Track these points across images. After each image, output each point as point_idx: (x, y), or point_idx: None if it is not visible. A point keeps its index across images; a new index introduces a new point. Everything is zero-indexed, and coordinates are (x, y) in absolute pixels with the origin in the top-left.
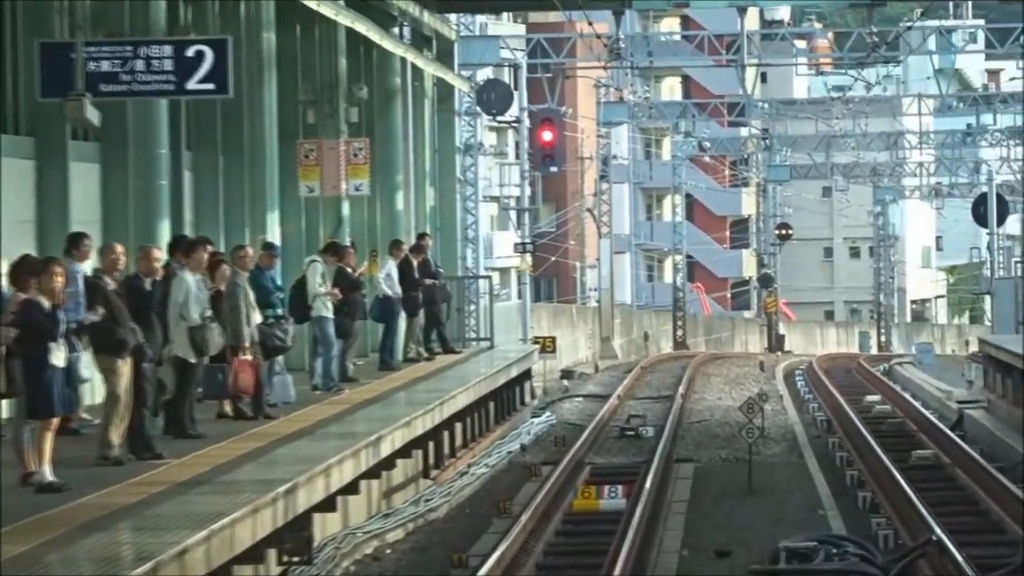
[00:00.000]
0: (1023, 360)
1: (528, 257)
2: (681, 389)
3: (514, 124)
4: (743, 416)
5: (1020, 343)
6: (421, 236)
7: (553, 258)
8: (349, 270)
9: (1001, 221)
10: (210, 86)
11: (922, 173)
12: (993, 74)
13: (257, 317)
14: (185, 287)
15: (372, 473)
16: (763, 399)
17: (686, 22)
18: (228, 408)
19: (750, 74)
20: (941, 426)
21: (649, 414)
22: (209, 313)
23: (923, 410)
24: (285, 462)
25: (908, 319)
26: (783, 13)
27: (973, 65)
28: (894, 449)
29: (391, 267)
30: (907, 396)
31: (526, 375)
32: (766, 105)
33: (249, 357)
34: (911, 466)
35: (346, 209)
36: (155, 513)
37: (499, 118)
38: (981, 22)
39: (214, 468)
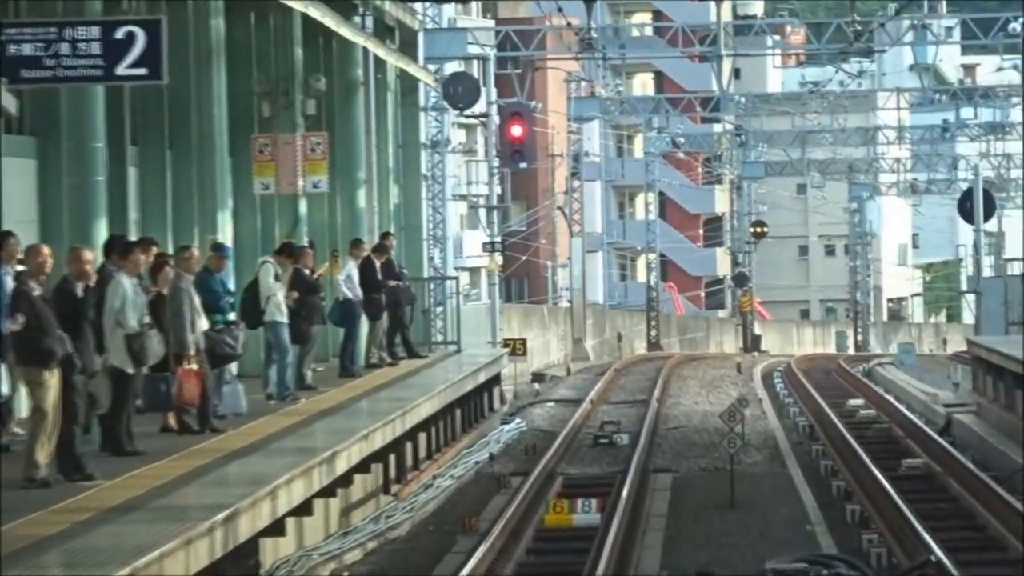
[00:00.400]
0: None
1: (497, 257)
2: (656, 393)
3: (482, 119)
4: (723, 423)
5: (1012, 345)
6: (384, 236)
7: (524, 257)
8: (307, 272)
9: (988, 217)
10: (142, 71)
11: (900, 169)
12: (969, 69)
13: (203, 323)
14: (121, 291)
15: (327, 491)
16: (743, 405)
17: (658, 17)
18: (172, 421)
19: (725, 66)
20: (930, 432)
21: (623, 420)
22: (147, 320)
23: (909, 414)
24: (229, 483)
25: (884, 318)
26: (756, 8)
27: (948, 60)
28: (882, 457)
29: (351, 268)
30: (891, 399)
31: (495, 380)
32: (743, 99)
33: (194, 366)
34: (901, 476)
35: (303, 207)
36: (75, 547)
37: (466, 113)
38: (955, 20)
39: (149, 491)
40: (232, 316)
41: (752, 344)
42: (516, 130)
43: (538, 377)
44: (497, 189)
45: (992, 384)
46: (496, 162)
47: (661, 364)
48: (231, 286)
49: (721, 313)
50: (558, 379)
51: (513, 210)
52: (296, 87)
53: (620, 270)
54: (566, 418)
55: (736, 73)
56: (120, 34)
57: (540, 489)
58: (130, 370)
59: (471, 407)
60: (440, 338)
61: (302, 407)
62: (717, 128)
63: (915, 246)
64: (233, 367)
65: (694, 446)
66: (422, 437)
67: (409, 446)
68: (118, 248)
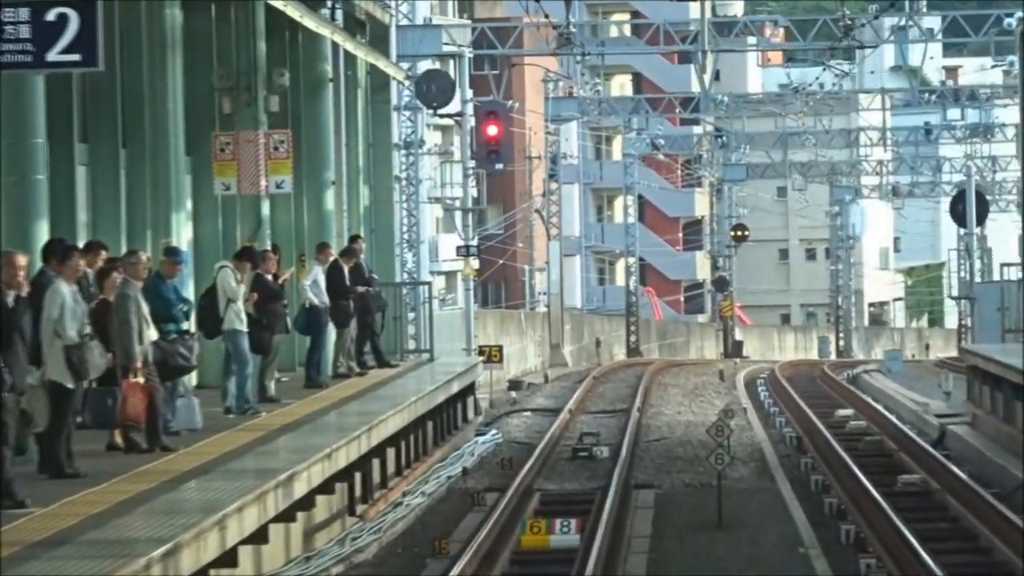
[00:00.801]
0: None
1: (472, 261)
2: (637, 402)
3: (456, 119)
4: (710, 438)
5: (1010, 353)
6: (353, 239)
7: (501, 261)
8: (269, 278)
9: (981, 220)
10: (75, 57)
11: (883, 171)
12: (951, 71)
13: (152, 333)
14: (60, 299)
15: (286, 515)
16: (729, 416)
17: (637, 18)
18: (119, 439)
19: (707, 63)
20: (924, 445)
21: (603, 431)
22: (88, 330)
23: (901, 425)
24: (174, 511)
25: (866, 323)
26: (736, 9)
27: (929, 62)
28: (875, 471)
29: (318, 273)
30: (880, 408)
31: (469, 389)
32: (725, 98)
33: (141, 379)
34: (897, 492)
35: (266, 209)
36: None
37: (440, 112)
38: (938, 20)
39: (84, 520)
40: (186, 325)
41: (734, 350)
42: (492, 130)
43: (515, 385)
44: (473, 191)
45: (989, 395)
46: (471, 163)
47: (641, 371)
48: (187, 293)
49: (701, 318)
50: (535, 387)
51: (490, 213)
52: (259, 82)
53: (598, 274)
54: (543, 429)
55: (716, 75)
56: (51, 16)
57: (516, 507)
58: (70, 384)
59: (444, 419)
60: (413, 346)
61: (262, 421)
62: (697, 130)
63: (896, 250)
64: (191, 379)
65: (678, 460)
66: (391, 452)
67: (376, 463)
68: (57, 252)
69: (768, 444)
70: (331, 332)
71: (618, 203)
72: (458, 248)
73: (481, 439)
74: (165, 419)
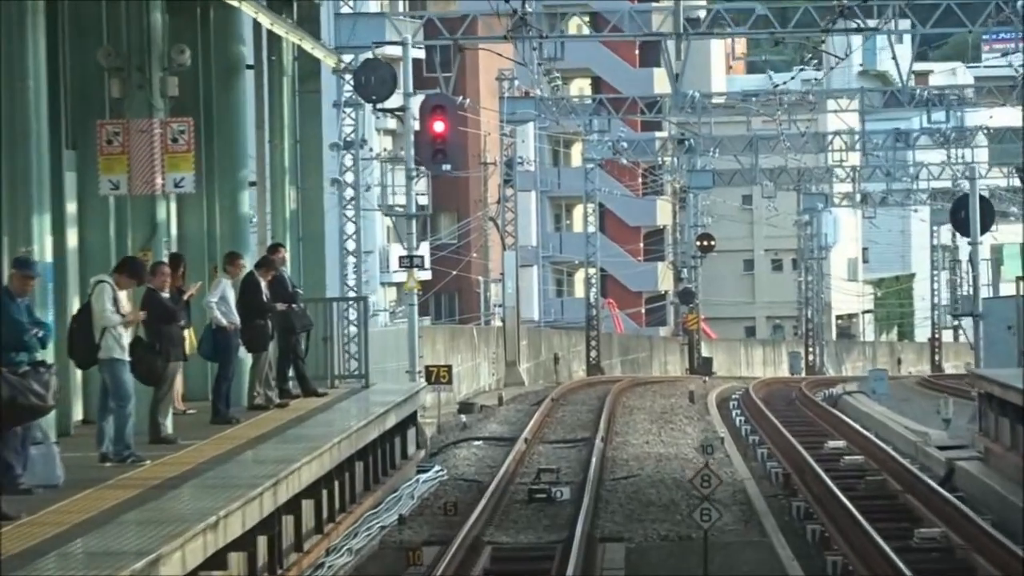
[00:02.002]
0: None
1: (417, 273)
2: (600, 430)
3: (398, 113)
4: (694, 489)
5: None
6: (273, 248)
7: (454, 272)
8: (165, 294)
9: (985, 228)
10: None
11: (857, 178)
12: (921, 76)
13: None
14: None
15: None
16: (709, 452)
17: (596, 20)
18: None
19: (681, 49)
20: (934, 486)
21: (563, 465)
22: None
23: (901, 459)
24: None
25: (833, 336)
26: (701, 13)
27: (893, 63)
28: (880, 518)
29: (226, 288)
30: (872, 437)
31: (410, 420)
32: (697, 94)
33: None
34: (914, 549)
35: (163, 212)
36: None
37: (380, 106)
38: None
39: None
40: (42, 355)
41: (703, 367)
42: (438, 126)
43: (466, 408)
44: (423, 198)
45: (1008, 428)
46: (414, 163)
47: (603, 391)
48: (46, 315)
49: (663, 331)
50: (489, 410)
51: (443, 221)
52: (153, 61)
53: (556, 286)
54: (496, 463)
55: (677, 79)
56: None
57: (461, 566)
58: None
59: (378, 457)
60: (353, 367)
61: (144, 473)
62: (660, 135)
63: (865, 260)
64: (46, 422)
65: (650, 505)
66: (308, 506)
67: (289, 521)
68: None
69: (752, 482)
70: (246, 357)
71: (577, 211)
72: (401, 259)
73: (423, 477)
74: (14, 474)
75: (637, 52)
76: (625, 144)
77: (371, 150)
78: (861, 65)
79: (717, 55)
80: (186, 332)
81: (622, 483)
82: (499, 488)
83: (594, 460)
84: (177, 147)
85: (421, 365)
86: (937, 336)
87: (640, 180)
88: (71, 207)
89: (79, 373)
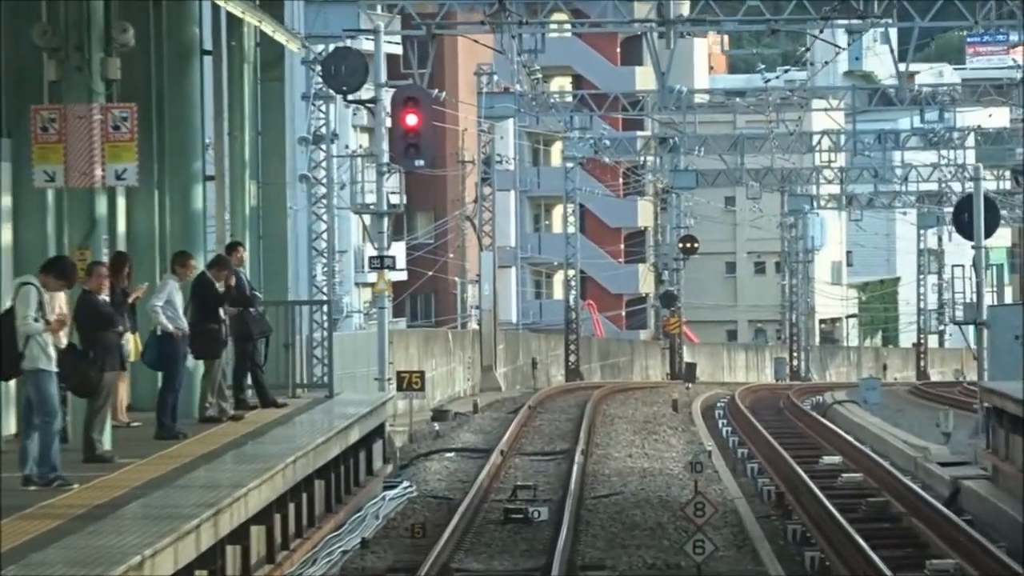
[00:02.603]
0: None
1: (387, 274)
2: (580, 441)
3: (369, 105)
4: (688, 518)
5: None
6: (231, 247)
7: (430, 273)
8: (103, 297)
9: (990, 231)
10: None
11: (844, 179)
12: (908, 77)
13: None
14: None
15: None
16: (698, 470)
17: (578, 16)
18: None
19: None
20: (942, 509)
21: (541, 480)
22: None
23: (902, 477)
24: None
25: (816, 340)
26: (684, 8)
27: (883, 67)
28: (886, 545)
29: (172, 291)
30: (867, 451)
31: (377, 432)
32: (684, 88)
33: None
34: None
35: (102, 207)
36: None
37: (351, 98)
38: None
39: None
40: None
41: (686, 374)
42: (411, 119)
43: (439, 415)
44: (395, 197)
45: (1021, 446)
46: (386, 158)
47: (583, 398)
48: None
49: (643, 334)
50: (463, 417)
51: (420, 221)
52: (93, 40)
53: (535, 288)
54: (469, 477)
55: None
56: None
57: None
58: None
59: (340, 474)
60: (319, 374)
61: (70, 499)
62: (643, 134)
63: (849, 264)
64: None
65: (635, 528)
66: (257, 533)
67: (235, 552)
68: None
69: (743, 501)
70: (197, 365)
71: (556, 212)
72: (371, 259)
73: (390, 494)
74: None
75: (619, 50)
76: (607, 142)
77: (347, 147)
78: (861, 63)
79: (700, 54)
80: (131, 337)
81: (604, 502)
82: (471, 507)
83: (574, 475)
84: (119, 135)
85: (392, 371)
86: (923, 342)
87: (621, 180)
88: (6, 200)
89: (13, 382)
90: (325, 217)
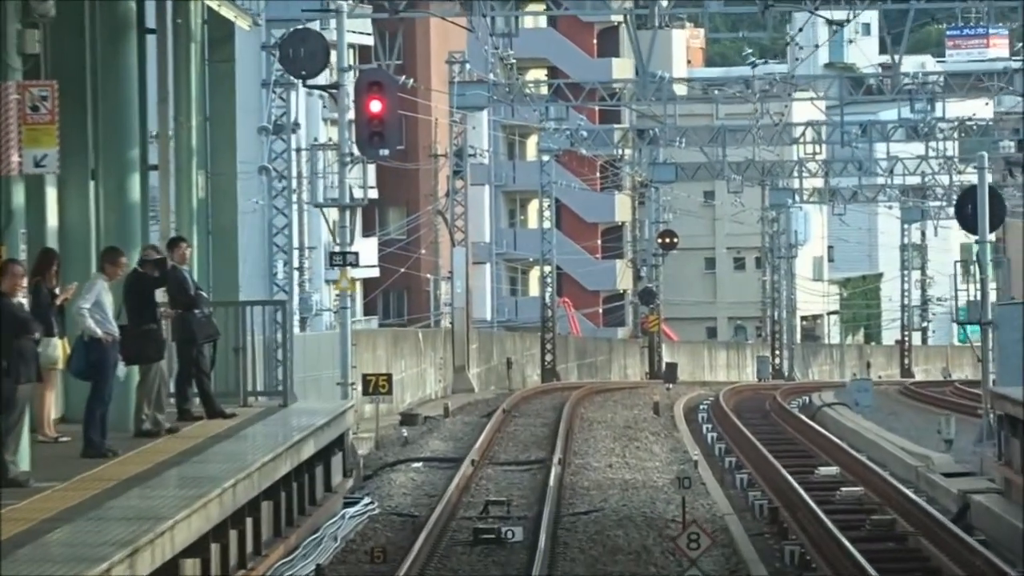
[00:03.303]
0: None
1: (349, 272)
2: (557, 449)
3: (331, 90)
4: (682, 551)
5: None
6: (173, 242)
7: (403, 269)
8: (17, 300)
9: (996, 224)
10: None
11: (828, 173)
12: (887, 68)
13: None
14: None
15: None
16: (686, 486)
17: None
18: None
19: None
20: (959, 532)
21: (515, 494)
22: None
23: (904, 490)
24: None
25: (798, 338)
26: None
27: (864, 59)
28: (895, 570)
29: (101, 292)
30: (863, 459)
31: (338, 444)
32: (666, 75)
33: None
34: None
35: (20, 196)
36: None
37: (311, 83)
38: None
39: None
40: None
41: (667, 374)
42: (375, 105)
43: (408, 419)
44: (360, 190)
45: None
46: (349, 147)
47: (560, 400)
48: None
49: (621, 332)
50: (433, 422)
51: (392, 216)
52: (7, 9)
53: (510, 284)
54: (437, 491)
55: (636, 72)
56: None
57: None
58: None
59: (293, 494)
60: (284, 381)
61: None
62: (620, 127)
63: (830, 259)
64: None
65: (618, 552)
66: (191, 566)
67: None
68: None
69: (734, 518)
70: (131, 372)
71: (532, 207)
72: (332, 255)
73: (350, 512)
74: None
75: (595, 41)
76: (584, 133)
77: (315, 139)
78: (843, 52)
79: (678, 46)
80: (59, 343)
81: (583, 520)
82: (438, 525)
83: (551, 488)
84: (38, 117)
85: (357, 375)
86: (907, 339)
87: (599, 174)
88: None
89: None
90: (287, 212)
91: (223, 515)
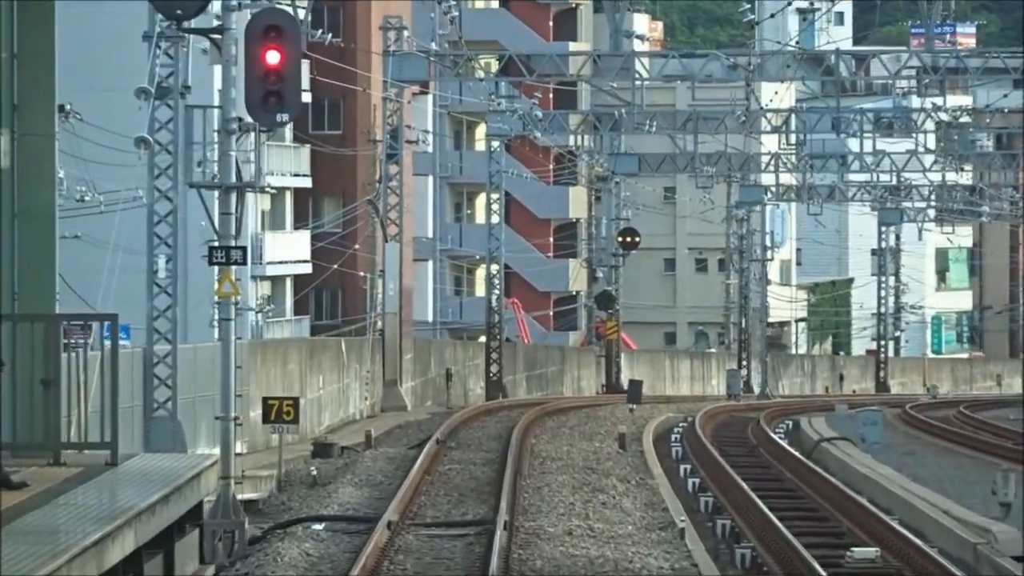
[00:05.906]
0: None
1: (232, 273)
2: (503, 508)
3: (214, 36)
4: None
5: None
6: None
7: (335, 266)
8: None
9: None
10: None
11: (804, 167)
12: (860, 61)
13: None
14: None
15: None
16: None
17: None
18: None
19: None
20: None
21: None
22: None
23: None
24: None
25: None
26: (640, 24)
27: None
28: None
29: None
30: (902, 530)
31: (190, 518)
32: (633, 39)
33: None
34: None
35: None
36: None
37: (188, 27)
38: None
39: None
40: None
41: (631, 394)
42: (272, 57)
43: (321, 450)
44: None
45: None
46: (236, 110)
47: (506, 425)
48: None
49: (573, 337)
50: (351, 454)
51: (327, 206)
52: None
53: (455, 284)
54: (335, 570)
55: (595, 61)
56: None
57: None
58: None
59: None
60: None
61: None
62: (578, 113)
63: (798, 263)
64: None
65: None
66: None
67: None
68: None
69: None
70: None
71: (479, 200)
72: (210, 250)
73: None
74: None
75: (551, 24)
76: (539, 114)
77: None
78: (797, 43)
79: (640, 30)
80: None
81: None
82: None
83: (493, 568)
84: None
85: (244, 403)
86: (883, 350)
87: (552, 166)
88: None
89: None
90: (171, 195)
91: None
